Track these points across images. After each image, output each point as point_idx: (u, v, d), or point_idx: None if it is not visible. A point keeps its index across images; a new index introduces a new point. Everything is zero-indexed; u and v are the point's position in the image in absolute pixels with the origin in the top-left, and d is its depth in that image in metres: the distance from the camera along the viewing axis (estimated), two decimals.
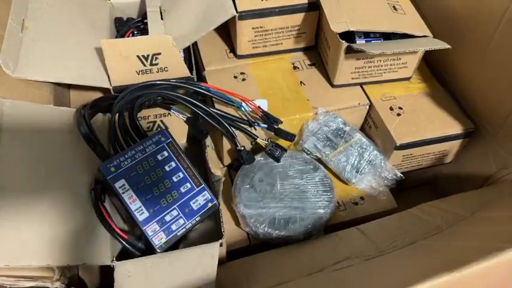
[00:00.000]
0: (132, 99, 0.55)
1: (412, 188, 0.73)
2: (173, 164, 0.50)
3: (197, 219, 0.49)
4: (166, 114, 0.60)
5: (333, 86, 0.63)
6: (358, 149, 0.60)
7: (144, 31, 0.69)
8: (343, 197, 0.60)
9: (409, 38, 0.58)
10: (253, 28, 0.62)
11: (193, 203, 0.50)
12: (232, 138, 0.56)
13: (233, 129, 0.56)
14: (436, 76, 0.66)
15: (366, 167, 0.59)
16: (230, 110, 0.58)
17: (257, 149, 0.61)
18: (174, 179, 0.50)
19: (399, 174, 0.60)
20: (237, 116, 0.58)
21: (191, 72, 0.60)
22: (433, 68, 0.67)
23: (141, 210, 0.47)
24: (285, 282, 0.44)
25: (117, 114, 0.54)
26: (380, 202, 0.59)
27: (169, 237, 0.47)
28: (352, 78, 0.62)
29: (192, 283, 0.45)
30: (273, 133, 0.57)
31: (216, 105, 0.59)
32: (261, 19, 0.61)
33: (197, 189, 0.50)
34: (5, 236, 0.42)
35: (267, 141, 0.57)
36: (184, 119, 0.58)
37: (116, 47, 0.54)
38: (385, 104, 0.62)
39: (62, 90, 0.61)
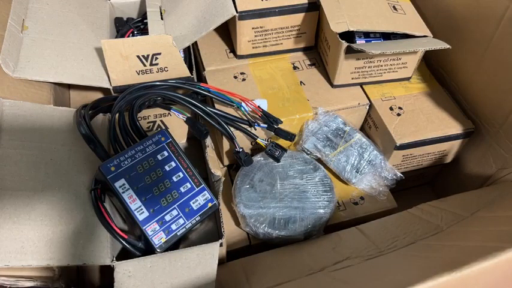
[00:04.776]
0: (132, 99, 0.55)
1: (412, 188, 0.72)
2: (173, 164, 0.50)
3: (197, 219, 0.49)
4: (166, 114, 0.60)
5: (333, 86, 0.63)
6: (358, 149, 0.60)
7: (144, 31, 0.69)
8: (343, 197, 0.60)
9: (409, 38, 0.58)
10: (253, 28, 0.62)
11: (193, 203, 0.50)
12: (231, 139, 0.56)
13: (232, 130, 0.56)
14: (436, 76, 0.66)
15: (366, 167, 0.59)
16: (230, 110, 0.58)
17: (257, 149, 0.61)
18: (174, 178, 0.50)
19: (399, 174, 0.60)
20: (237, 116, 0.58)
21: (191, 72, 0.60)
22: (433, 68, 0.67)
23: (141, 209, 0.47)
24: (285, 282, 0.44)
25: (117, 114, 0.54)
26: (380, 202, 0.59)
27: (169, 236, 0.47)
28: (352, 78, 0.62)
29: (192, 283, 0.45)
30: (273, 133, 0.57)
31: (216, 105, 0.59)
32: (261, 19, 0.61)
33: (197, 189, 0.50)
34: (5, 236, 0.42)
35: (267, 141, 0.57)
36: (184, 119, 0.58)
37: (116, 47, 0.54)
38: (385, 104, 0.62)
39: (62, 90, 0.61)
